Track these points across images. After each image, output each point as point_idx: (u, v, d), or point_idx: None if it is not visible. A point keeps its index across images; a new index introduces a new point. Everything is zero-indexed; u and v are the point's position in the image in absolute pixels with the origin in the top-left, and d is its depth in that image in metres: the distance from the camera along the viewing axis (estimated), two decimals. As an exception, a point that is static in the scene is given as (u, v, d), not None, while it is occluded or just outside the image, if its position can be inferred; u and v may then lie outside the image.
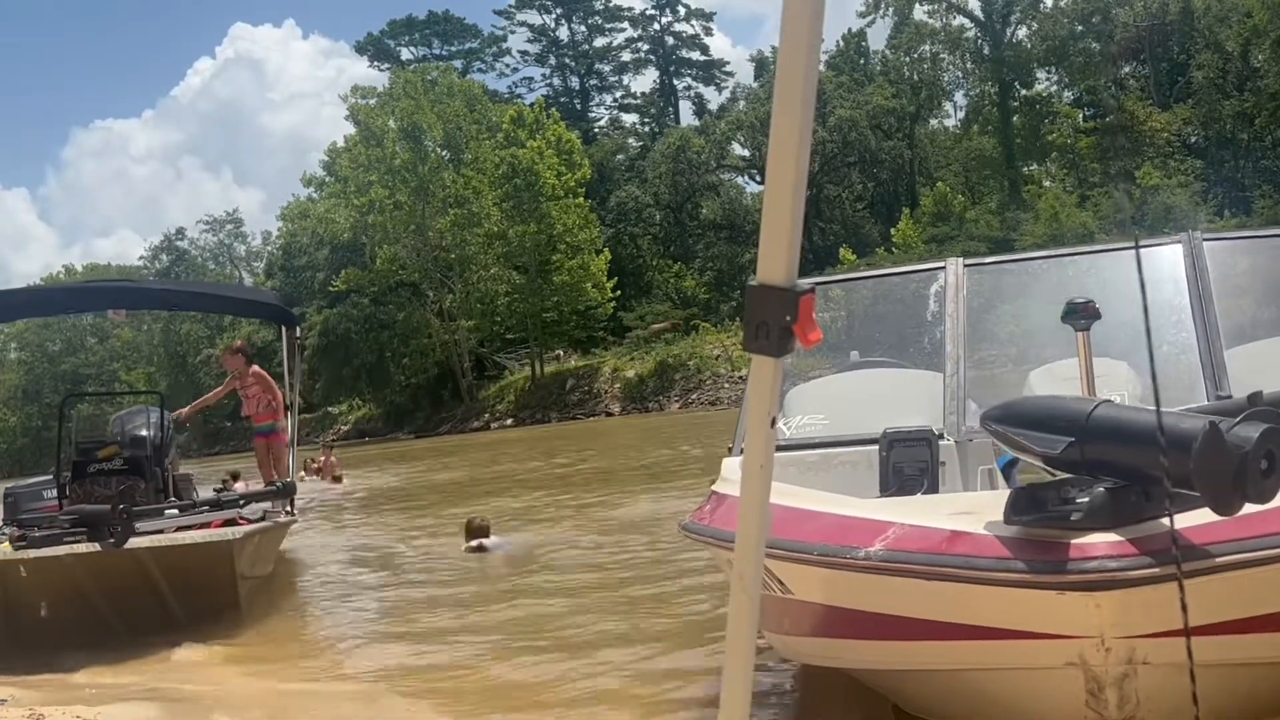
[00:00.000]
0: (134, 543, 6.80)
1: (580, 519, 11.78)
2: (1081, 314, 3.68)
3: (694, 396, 44.95)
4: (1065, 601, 2.50)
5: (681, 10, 71.67)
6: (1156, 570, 2.43)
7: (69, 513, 7.28)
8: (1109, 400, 2.77)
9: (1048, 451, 2.57)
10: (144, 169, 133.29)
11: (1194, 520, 2.52)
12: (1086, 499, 2.52)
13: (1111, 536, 2.48)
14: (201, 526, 7.70)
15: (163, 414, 9.13)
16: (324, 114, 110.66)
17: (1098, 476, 2.55)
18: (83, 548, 6.72)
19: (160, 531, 7.39)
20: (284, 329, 10.64)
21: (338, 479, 20.47)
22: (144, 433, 8.96)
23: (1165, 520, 2.54)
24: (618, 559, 8.67)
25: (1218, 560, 2.47)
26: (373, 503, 17.49)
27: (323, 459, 21.16)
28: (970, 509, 2.86)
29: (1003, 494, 2.75)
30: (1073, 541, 2.49)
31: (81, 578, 6.79)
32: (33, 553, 6.73)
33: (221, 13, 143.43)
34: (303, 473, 18.79)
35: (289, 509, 9.32)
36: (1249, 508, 2.47)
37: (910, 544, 2.75)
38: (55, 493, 8.80)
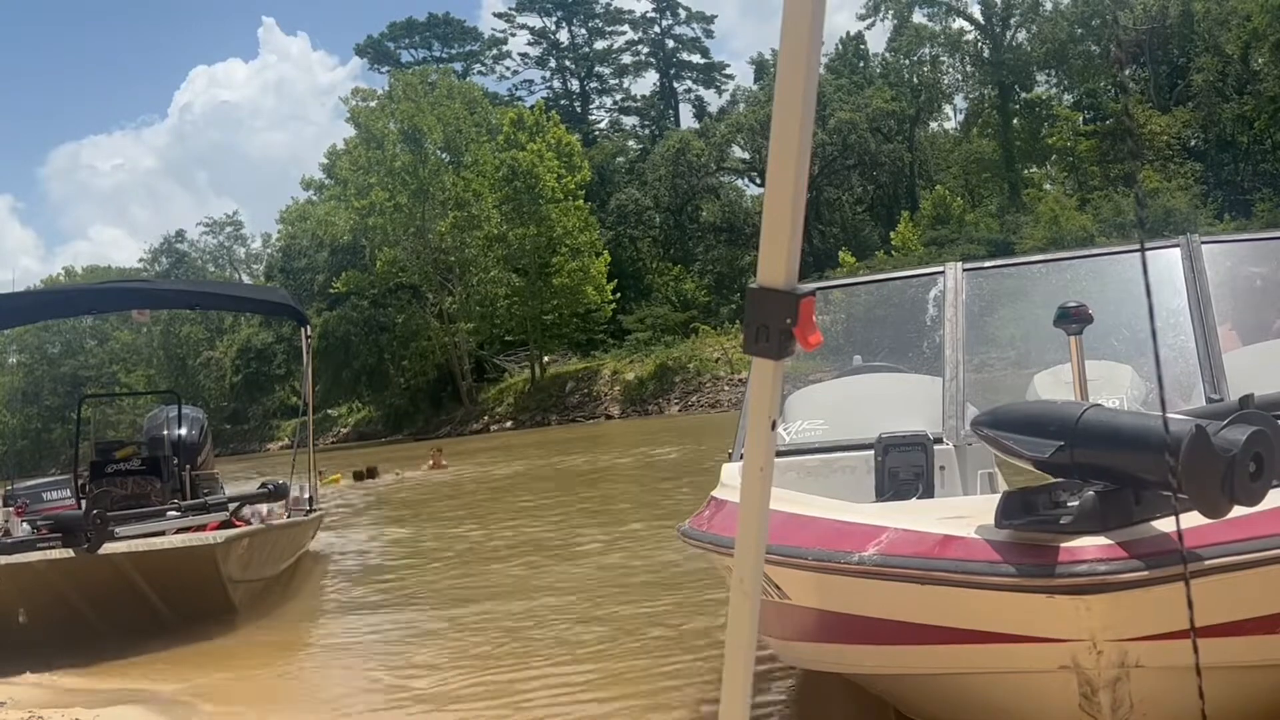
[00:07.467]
0: (113, 548, 6.69)
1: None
2: (1073, 318, 3.66)
3: (694, 399, 44.92)
4: (1056, 605, 2.51)
5: (682, 13, 71.74)
6: (1146, 573, 2.44)
7: (46, 518, 7.23)
8: (1098, 404, 2.78)
9: (1037, 456, 2.57)
10: (121, 178, 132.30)
11: (1186, 523, 2.53)
12: (1076, 502, 2.53)
13: (1102, 540, 2.49)
14: (199, 529, 7.71)
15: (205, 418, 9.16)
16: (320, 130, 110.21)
17: (1088, 480, 2.56)
18: (55, 554, 6.59)
19: (162, 533, 7.41)
20: (301, 328, 10.87)
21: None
22: (164, 432, 8.97)
23: (1154, 523, 2.57)
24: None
25: (1209, 563, 2.48)
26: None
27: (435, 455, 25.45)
28: (962, 513, 2.87)
29: (994, 498, 2.76)
30: (1063, 545, 2.50)
31: (58, 583, 6.65)
32: (3, 559, 6.57)
33: (224, 20, 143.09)
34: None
35: (308, 509, 9.34)
36: (1238, 510, 2.48)
37: (903, 549, 2.77)
38: (57, 494, 8.82)
